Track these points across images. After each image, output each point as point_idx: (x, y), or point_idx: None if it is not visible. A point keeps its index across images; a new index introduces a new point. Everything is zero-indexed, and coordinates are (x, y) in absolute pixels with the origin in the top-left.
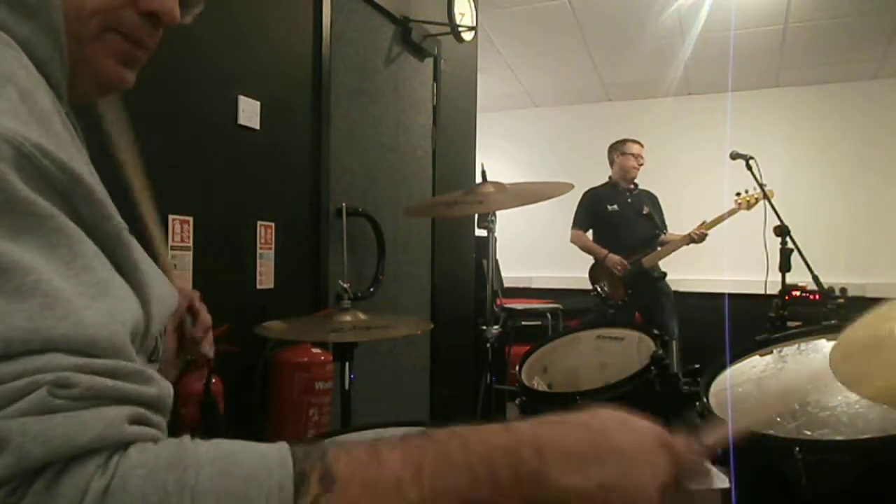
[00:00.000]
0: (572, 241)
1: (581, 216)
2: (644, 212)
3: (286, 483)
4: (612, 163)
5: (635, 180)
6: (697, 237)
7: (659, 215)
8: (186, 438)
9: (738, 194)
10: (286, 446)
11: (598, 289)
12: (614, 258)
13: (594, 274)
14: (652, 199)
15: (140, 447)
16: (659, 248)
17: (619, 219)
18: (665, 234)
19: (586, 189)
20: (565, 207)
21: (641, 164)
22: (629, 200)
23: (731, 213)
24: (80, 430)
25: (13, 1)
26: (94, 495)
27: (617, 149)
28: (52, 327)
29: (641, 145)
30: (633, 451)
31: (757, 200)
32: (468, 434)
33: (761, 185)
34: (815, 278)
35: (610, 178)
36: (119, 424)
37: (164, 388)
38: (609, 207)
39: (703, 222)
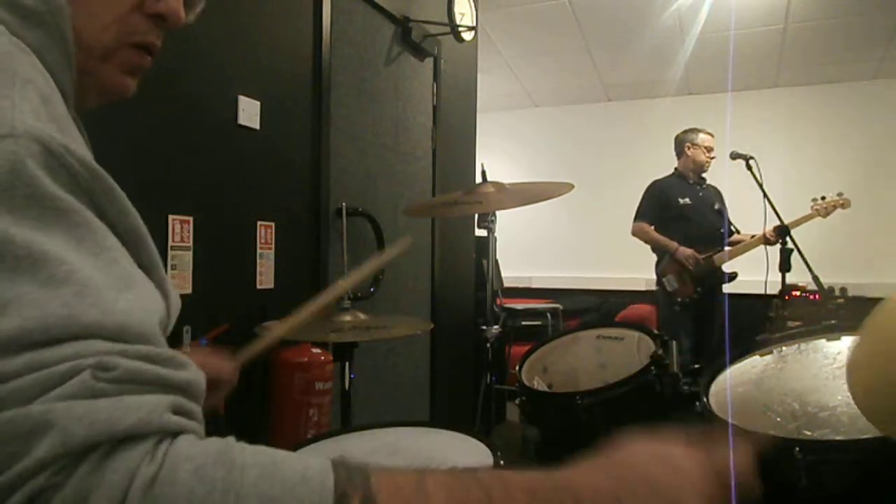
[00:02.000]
0: (635, 234)
1: (648, 208)
2: (715, 207)
3: (327, 499)
4: (680, 154)
5: (703, 174)
6: (773, 239)
7: (726, 213)
8: (232, 439)
9: (815, 200)
10: (329, 463)
11: (666, 284)
12: (686, 251)
13: (661, 268)
14: (720, 196)
15: (188, 440)
16: (728, 248)
17: (692, 213)
18: (739, 232)
19: (652, 181)
20: (565, 207)
21: (713, 158)
22: (700, 194)
23: (808, 218)
24: (124, 414)
25: (23, 10)
26: (142, 481)
27: (688, 139)
28: (85, 314)
29: (713, 136)
30: (670, 482)
31: (834, 207)
32: (510, 478)
33: (839, 193)
34: (815, 278)
35: (676, 169)
36: (161, 412)
37: (197, 373)
38: (681, 200)
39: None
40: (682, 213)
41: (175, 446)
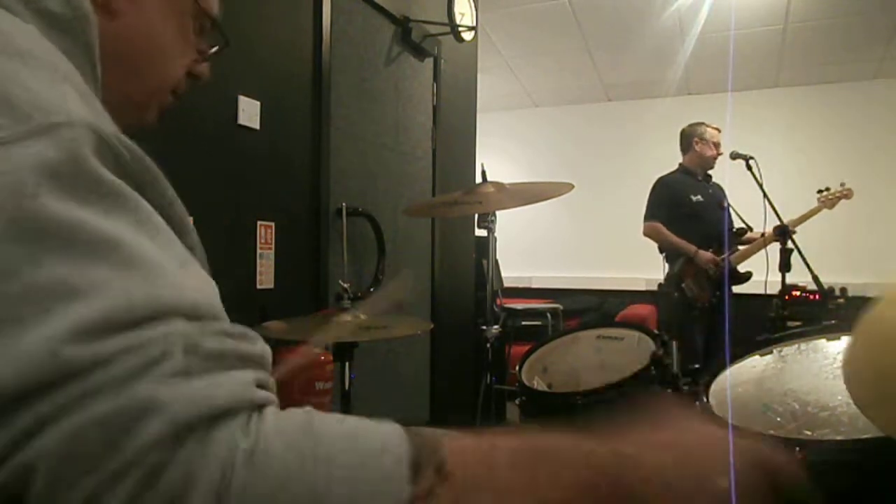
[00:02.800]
0: (647, 234)
1: (657, 206)
2: (724, 205)
3: (403, 470)
4: (686, 149)
5: (709, 171)
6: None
7: (729, 211)
8: (311, 409)
9: (820, 191)
10: (402, 430)
11: (686, 290)
12: (706, 255)
13: (677, 272)
14: (724, 194)
15: (274, 412)
16: (740, 247)
17: (704, 211)
18: (752, 230)
19: (658, 177)
20: (566, 207)
21: (721, 154)
22: (710, 191)
23: (815, 211)
24: (219, 391)
25: (50, 15)
26: (242, 455)
27: (696, 134)
28: (163, 294)
29: (720, 131)
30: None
31: (839, 198)
32: (573, 448)
33: (842, 184)
34: (815, 278)
35: (681, 165)
36: (248, 386)
37: (265, 346)
38: (693, 198)
39: (790, 220)
40: (694, 212)
41: (264, 419)
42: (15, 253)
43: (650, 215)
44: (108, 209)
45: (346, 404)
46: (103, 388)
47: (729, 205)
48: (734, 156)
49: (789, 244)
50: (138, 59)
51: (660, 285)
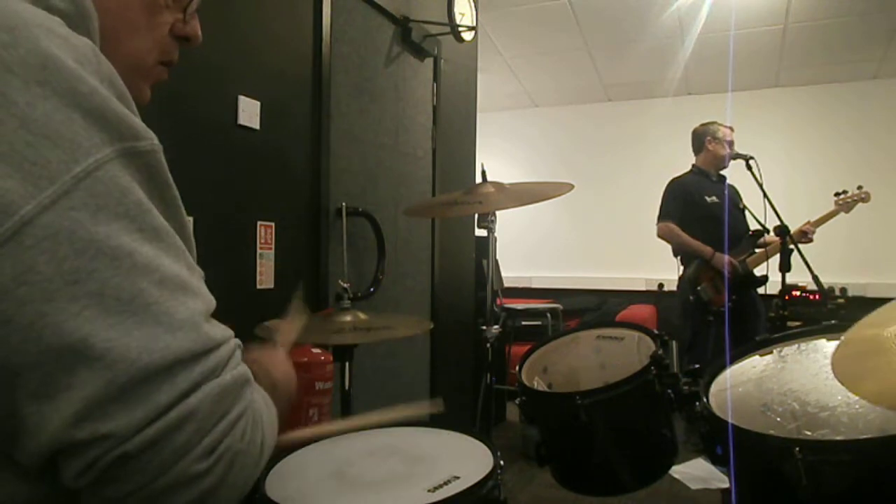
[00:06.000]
0: (662, 235)
1: (673, 207)
2: (740, 206)
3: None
4: (699, 149)
5: (723, 172)
6: (803, 239)
7: (736, 213)
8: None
9: (838, 194)
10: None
11: (702, 293)
12: (723, 258)
13: (692, 275)
14: (739, 195)
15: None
16: (757, 250)
17: (721, 211)
18: (769, 232)
19: (672, 177)
20: (566, 207)
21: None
22: (725, 192)
23: (833, 214)
24: (238, 372)
25: (58, 13)
26: (251, 392)
27: (708, 133)
28: (212, 301)
29: (733, 130)
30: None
31: (855, 202)
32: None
33: (859, 187)
34: (815, 278)
35: (694, 166)
36: (245, 369)
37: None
38: (708, 199)
39: (808, 222)
40: (710, 212)
41: (254, 389)
42: (150, 252)
43: (664, 216)
44: (167, 248)
45: (346, 404)
46: (231, 360)
47: (745, 206)
48: (734, 156)
49: (789, 244)
50: (108, 38)
51: (660, 285)
